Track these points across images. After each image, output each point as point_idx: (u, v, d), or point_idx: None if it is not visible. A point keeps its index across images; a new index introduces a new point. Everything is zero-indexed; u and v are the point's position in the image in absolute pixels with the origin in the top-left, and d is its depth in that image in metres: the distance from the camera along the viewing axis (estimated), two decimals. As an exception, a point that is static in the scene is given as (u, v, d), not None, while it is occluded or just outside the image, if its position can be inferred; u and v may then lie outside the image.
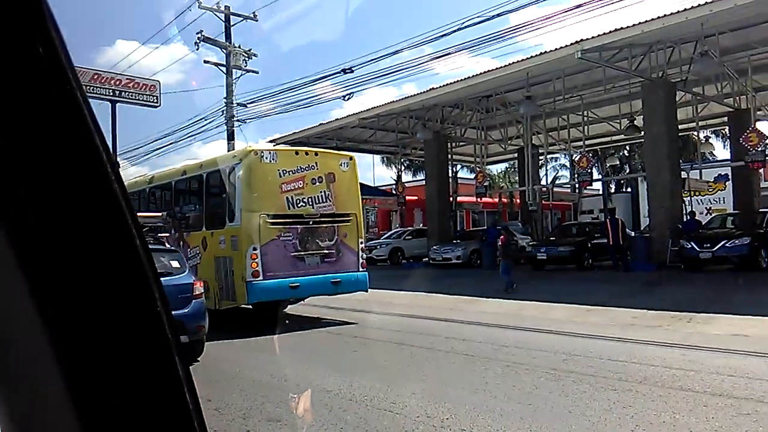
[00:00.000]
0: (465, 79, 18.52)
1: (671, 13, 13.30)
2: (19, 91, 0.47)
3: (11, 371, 0.52)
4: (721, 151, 29.89)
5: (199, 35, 21.28)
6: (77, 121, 0.50)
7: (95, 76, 26.27)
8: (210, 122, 22.73)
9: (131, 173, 34.03)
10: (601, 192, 30.04)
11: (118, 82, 26.89)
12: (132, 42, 67.10)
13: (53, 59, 0.49)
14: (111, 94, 26.59)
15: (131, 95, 27.21)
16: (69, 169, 0.49)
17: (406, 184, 28.81)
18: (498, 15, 16.24)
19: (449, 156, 24.90)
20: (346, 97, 19.79)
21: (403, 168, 36.15)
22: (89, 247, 0.51)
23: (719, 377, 5.82)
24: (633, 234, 17.42)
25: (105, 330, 0.51)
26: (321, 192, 9.79)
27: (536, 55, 16.47)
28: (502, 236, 14.10)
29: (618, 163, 33.50)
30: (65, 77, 0.50)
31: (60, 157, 0.49)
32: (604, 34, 14.54)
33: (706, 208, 22.16)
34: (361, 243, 10.27)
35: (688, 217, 16.82)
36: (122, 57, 72.50)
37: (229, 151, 19.28)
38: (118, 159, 26.73)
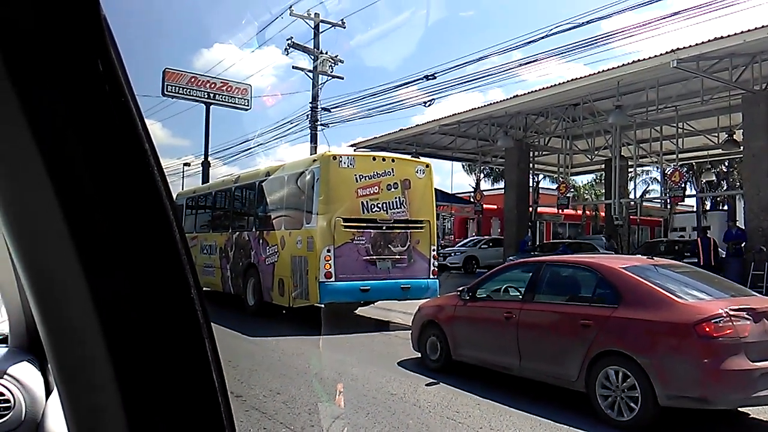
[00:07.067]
0: (551, 86, 18.04)
1: (779, 22, 12.39)
2: (79, 101, 0.56)
3: (69, 362, 0.61)
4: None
5: (289, 41, 22.05)
6: (129, 129, 0.58)
7: (192, 79, 27.81)
8: (295, 125, 23.50)
9: (222, 172, 35.74)
10: (695, 209, 28.35)
11: (212, 86, 28.32)
12: (227, 45, 70.34)
13: (111, 74, 0.57)
14: (206, 96, 28.05)
15: (224, 98, 28.58)
16: (118, 174, 0.58)
17: (485, 192, 28.48)
18: (589, 22, 15.84)
19: (531, 165, 24.34)
20: (427, 104, 19.89)
21: (482, 176, 35.79)
22: (136, 240, 0.59)
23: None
24: (725, 254, 16.30)
25: (147, 315, 0.59)
26: (396, 198, 9.90)
27: (628, 63, 15.81)
28: None
29: (714, 178, 31.44)
30: (121, 91, 0.58)
31: (111, 164, 0.57)
32: (703, 43, 13.74)
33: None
34: (433, 250, 10.28)
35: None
36: (218, 60, 76.40)
37: (312, 153, 19.85)
38: (210, 158, 28.17)
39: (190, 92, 27.73)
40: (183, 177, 38.22)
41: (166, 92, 27.20)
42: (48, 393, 1.74)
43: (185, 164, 38.04)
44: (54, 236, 0.56)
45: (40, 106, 0.54)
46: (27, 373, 1.74)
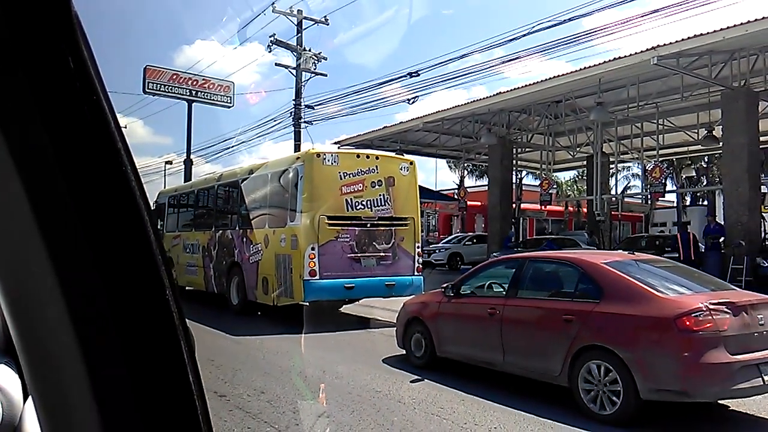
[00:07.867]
0: (534, 83, 18.14)
1: (755, 20, 12.55)
2: (48, 97, 0.55)
3: (41, 365, 0.59)
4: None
5: (272, 38, 21.88)
6: (101, 127, 0.57)
7: (174, 76, 27.52)
8: (279, 123, 23.33)
9: (205, 170, 35.45)
10: (675, 204, 28.75)
11: (194, 83, 28.04)
12: (210, 42, 69.51)
13: (82, 72, 0.56)
14: (188, 94, 27.76)
15: (207, 95, 28.31)
16: (90, 172, 0.56)
17: (469, 189, 28.58)
18: (570, 19, 15.88)
19: (514, 162, 24.48)
20: (411, 101, 19.87)
21: (466, 172, 35.94)
22: (108, 240, 0.58)
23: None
24: (704, 249, 16.53)
25: (121, 316, 0.58)
26: (380, 195, 9.90)
27: (610, 61, 15.93)
28: None
29: (694, 174, 31.87)
30: (93, 89, 0.57)
31: (83, 162, 0.56)
32: (683, 40, 13.90)
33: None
34: (418, 247, 10.29)
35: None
36: (200, 57, 75.59)
37: (296, 151, 19.75)
38: (192, 156, 27.90)
39: (171, 89, 27.44)
40: (165, 175, 37.85)
41: (147, 89, 26.90)
42: (26, 397, 1.71)
43: (167, 162, 37.68)
44: (24, 236, 0.55)
45: (10, 103, 0.52)
46: (4, 376, 1.71)
